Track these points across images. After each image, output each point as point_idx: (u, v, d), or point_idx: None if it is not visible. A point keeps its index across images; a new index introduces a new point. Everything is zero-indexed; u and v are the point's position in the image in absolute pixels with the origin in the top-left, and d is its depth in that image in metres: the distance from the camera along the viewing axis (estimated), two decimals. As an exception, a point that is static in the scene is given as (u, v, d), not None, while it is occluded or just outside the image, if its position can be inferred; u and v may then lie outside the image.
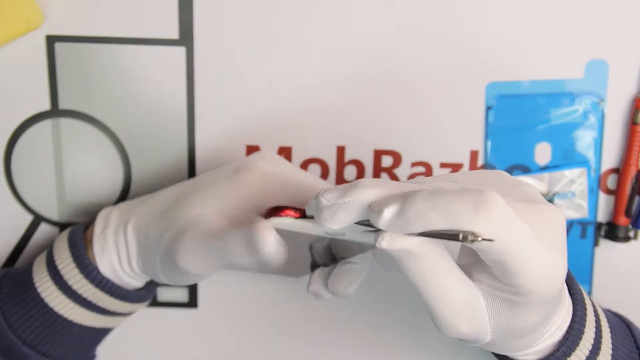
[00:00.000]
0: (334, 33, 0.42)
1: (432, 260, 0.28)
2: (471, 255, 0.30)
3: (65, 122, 0.44)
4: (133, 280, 0.40)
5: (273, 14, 0.42)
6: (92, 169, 0.44)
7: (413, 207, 0.26)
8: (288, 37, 0.42)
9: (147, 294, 0.42)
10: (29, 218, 0.45)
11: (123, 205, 0.41)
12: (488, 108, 0.44)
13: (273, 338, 0.48)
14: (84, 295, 0.38)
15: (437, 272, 0.28)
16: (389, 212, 0.27)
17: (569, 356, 0.34)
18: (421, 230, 0.27)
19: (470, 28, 0.42)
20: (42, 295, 0.38)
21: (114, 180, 0.45)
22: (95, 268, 0.38)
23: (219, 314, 0.47)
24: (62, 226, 0.45)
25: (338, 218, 0.29)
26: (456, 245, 0.29)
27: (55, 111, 0.43)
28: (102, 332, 0.42)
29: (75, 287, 0.38)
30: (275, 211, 0.32)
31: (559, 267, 0.29)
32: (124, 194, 0.45)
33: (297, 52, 0.43)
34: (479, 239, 0.26)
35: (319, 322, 0.47)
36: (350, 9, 0.42)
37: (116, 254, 0.38)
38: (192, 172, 0.45)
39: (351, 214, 0.28)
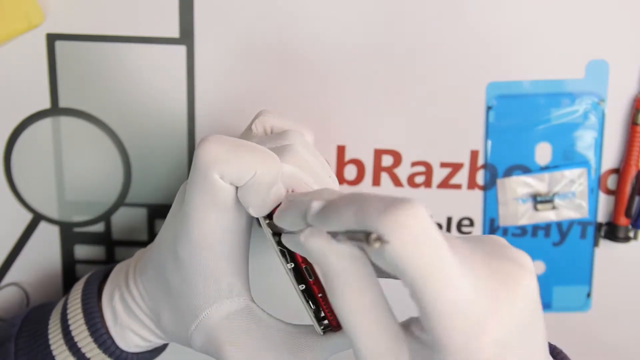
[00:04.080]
0: (334, 33, 0.42)
1: (356, 279, 0.24)
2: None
3: (66, 121, 0.44)
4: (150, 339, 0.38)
5: (273, 14, 0.42)
6: (92, 167, 0.44)
7: (333, 203, 0.24)
8: (288, 37, 0.42)
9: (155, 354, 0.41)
10: (28, 216, 0.45)
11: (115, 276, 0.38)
12: (488, 108, 0.44)
13: None
14: None
15: (359, 298, 0.23)
16: (315, 205, 0.25)
17: None
18: (338, 228, 0.24)
19: (471, 28, 0.42)
20: None
21: (114, 179, 0.45)
22: (113, 343, 0.36)
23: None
24: (61, 225, 0.45)
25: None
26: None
27: (55, 109, 0.43)
28: None
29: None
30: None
31: (490, 326, 0.21)
32: (124, 193, 0.45)
33: (297, 51, 0.43)
34: (378, 243, 0.21)
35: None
36: (350, 10, 0.42)
37: (135, 328, 0.37)
38: (192, 171, 0.45)
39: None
